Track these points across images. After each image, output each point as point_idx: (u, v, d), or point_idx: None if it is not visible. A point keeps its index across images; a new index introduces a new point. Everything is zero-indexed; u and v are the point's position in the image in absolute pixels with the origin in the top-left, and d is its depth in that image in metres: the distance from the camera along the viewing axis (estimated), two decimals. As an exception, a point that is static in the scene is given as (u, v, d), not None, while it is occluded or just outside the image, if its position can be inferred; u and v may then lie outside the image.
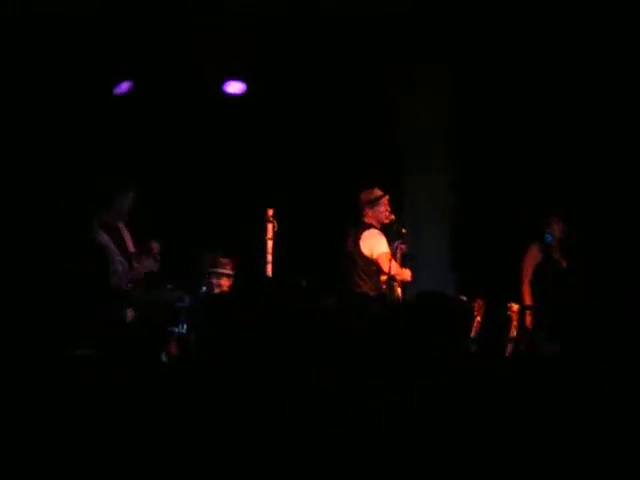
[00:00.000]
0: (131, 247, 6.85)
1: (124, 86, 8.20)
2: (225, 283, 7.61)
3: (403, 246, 7.51)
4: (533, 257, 8.26)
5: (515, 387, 3.77)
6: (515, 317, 7.66)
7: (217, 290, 7.57)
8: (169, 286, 7.37)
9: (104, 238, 6.71)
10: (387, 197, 7.61)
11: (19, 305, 6.33)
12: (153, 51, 8.10)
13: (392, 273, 7.29)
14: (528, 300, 8.18)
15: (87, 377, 3.74)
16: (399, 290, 7.41)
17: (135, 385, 3.70)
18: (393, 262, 7.36)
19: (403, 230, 7.59)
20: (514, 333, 7.43)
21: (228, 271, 7.56)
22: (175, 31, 8.05)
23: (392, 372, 3.73)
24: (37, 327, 5.66)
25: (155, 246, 6.79)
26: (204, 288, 7.63)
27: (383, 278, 7.38)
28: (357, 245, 7.51)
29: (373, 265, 7.44)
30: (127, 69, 8.19)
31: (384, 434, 3.48)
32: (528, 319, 8.03)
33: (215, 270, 7.60)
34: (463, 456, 3.47)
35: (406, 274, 7.50)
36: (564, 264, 8.25)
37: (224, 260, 7.62)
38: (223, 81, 8.55)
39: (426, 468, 3.44)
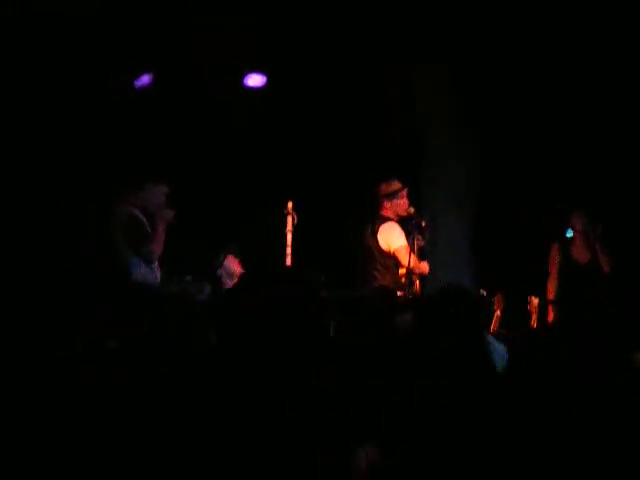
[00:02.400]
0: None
1: (145, 79, 8.21)
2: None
3: (420, 239, 7.48)
4: (555, 256, 8.25)
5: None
6: (535, 311, 7.64)
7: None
8: (188, 278, 7.40)
9: (136, 211, 6.82)
10: (406, 190, 7.57)
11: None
12: (173, 44, 8.11)
13: (410, 267, 7.26)
14: (552, 295, 8.16)
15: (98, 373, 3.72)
16: (418, 283, 7.39)
17: (139, 382, 3.68)
18: (411, 255, 7.34)
19: (422, 223, 7.57)
20: (534, 327, 7.41)
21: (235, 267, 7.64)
22: (194, 24, 8.05)
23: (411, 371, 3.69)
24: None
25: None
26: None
27: (402, 271, 7.35)
28: (375, 238, 7.46)
29: (391, 258, 7.39)
30: (146, 62, 8.20)
31: (386, 434, 3.46)
32: (550, 314, 8.02)
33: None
34: (465, 456, 3.43)
35: (424, 267, 7.47)
36: (586, 259, 8.18)
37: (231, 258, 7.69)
38: (244, 74, 8.56)
39: (426, 468, 3.41)
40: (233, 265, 7.65)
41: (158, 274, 6.90)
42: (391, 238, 7.42)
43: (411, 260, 7.27)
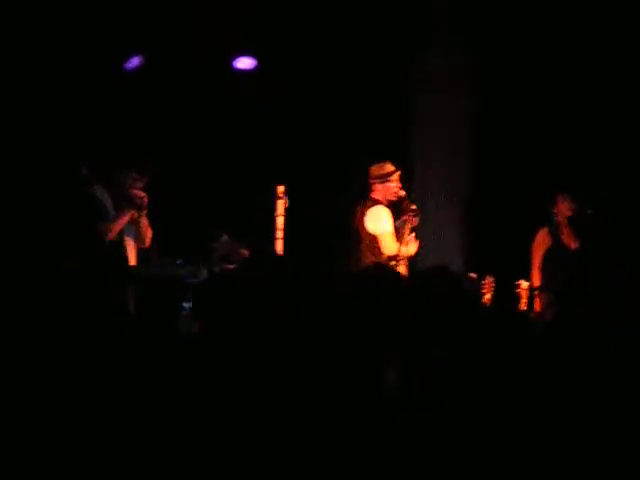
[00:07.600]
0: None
1: (135, 61, 8.18)
2: None
3: (414, 219, 7.50)
4: (542, 241, 8.20)
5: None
6: (524, 295, 7.65)
7: None
8: (178, 261, 7.39)
9: (103, 195, 6.89)
10: (398, 173, 7.55)
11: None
12: (163, 26, 8.09)
13: (389, 254, 7.27)
14: (537, 283, 8.13)
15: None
16: (403, 268, 7.38)
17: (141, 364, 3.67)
18: (395, 240, 7.35)
19: (413, 207, 7.57)
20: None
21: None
22: (186, 5, 8.04)
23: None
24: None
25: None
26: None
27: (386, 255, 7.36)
28: (362, 220, 7.44)
29: (377, 241, 7.39)
30: (137, 44, 8.17)
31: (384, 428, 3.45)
32: (537, 303, 8.00)
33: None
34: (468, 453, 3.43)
35: (410, 248, 7.47)
36: (574, 245, 8.17)
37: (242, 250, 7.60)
38: (233, 57, 8.56)
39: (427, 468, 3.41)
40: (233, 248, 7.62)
41: None
42: (377, 222, 7.39)
43: (393, 246, 7.29)
